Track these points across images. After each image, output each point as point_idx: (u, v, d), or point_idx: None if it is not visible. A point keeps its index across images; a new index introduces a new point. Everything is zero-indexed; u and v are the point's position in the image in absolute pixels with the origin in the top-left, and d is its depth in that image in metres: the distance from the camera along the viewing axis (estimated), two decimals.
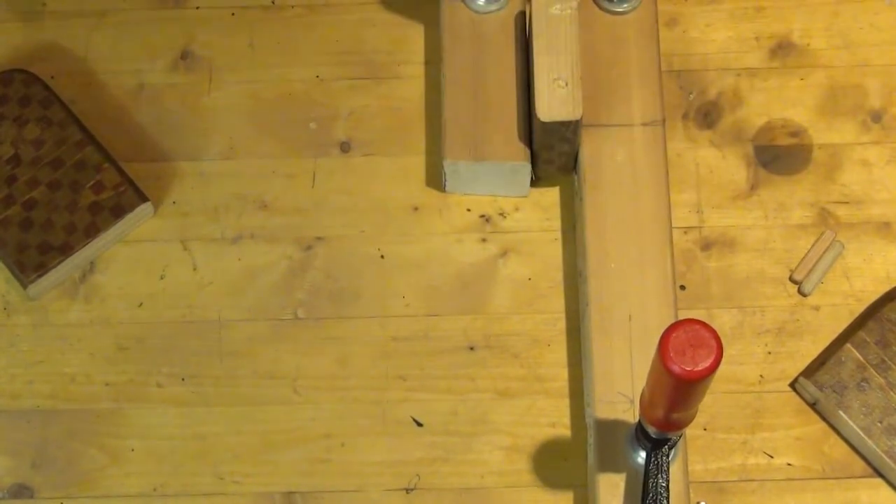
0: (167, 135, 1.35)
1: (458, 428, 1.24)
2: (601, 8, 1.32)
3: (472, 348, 1.27)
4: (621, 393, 1.19)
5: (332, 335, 1.28)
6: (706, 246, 1.30)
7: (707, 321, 0.98)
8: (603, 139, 1.28)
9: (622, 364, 1.20)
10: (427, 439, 1.24)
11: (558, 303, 1.28)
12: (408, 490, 1.23)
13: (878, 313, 1.25)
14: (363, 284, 1.29)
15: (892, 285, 1.28)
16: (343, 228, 1.31)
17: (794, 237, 1.30)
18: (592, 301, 1.23)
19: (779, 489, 1.22)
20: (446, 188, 1.32)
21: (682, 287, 1.28)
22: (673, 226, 1.27)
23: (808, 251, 1.29)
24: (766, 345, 1.26)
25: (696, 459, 1.23)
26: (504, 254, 1.30)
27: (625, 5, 1.32)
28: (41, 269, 1.27)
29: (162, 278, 1.30)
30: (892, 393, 1.22)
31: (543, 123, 1.23)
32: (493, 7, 1.33)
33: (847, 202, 1.31)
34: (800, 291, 1.28)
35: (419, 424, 1.25)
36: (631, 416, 1.19)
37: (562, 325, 1.27)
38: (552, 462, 1.23)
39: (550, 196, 1.32)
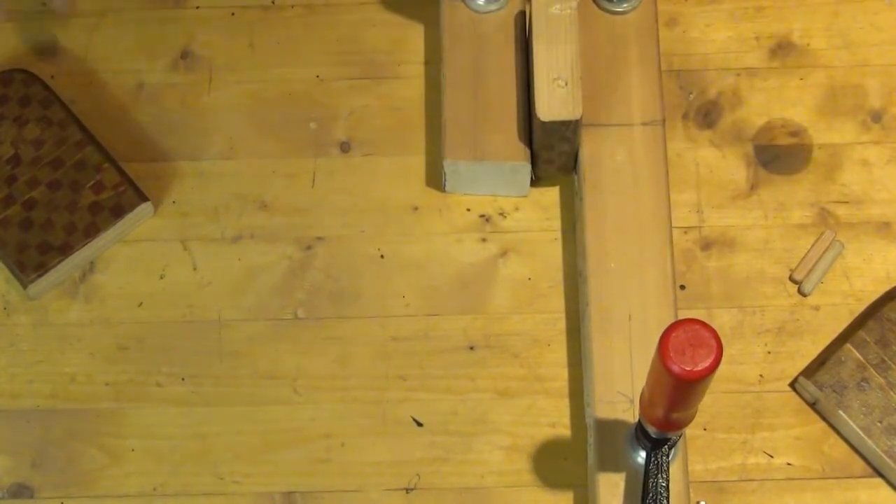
0: (167, 134, 1.35)
1: (458, 428, 1.24)
2: (601, 8, 1.32)
3: (472, 348, 1.27)
4: (621, 393, 1.19)
5: (332, 335, 1.28)
6: (706, 246, 1.30)
7: (707, 321, 0.98)
8: (603, 139, 1.28)
9: (622, 364, 1.20)
10: (427, 439, 1.24)
11: (558, 303, 1.28)
12: (408, 490, 1.23)
13: (878, 313, 1.25)
14: (363, 284, 1.29)
15: (892, 285, 1.28)
16: (343, 228, 1.31)
17: (794, 237, 1.30)
18: (592, 301, 1.23)
19: (779, 489, 1.22)
20: (446, 188, 1.32)
21: (682, 287, 1.28)
22: (673, 225, 1.27)
23: (808, 251, 1.29)
24: (766, 344, 1.26)
25: (696, 459, 1.23)
26: (504, 254, 1.30)
27: (625, 5, 1.32)
28: (41, 268, 1.27)
29: (162, 278, 1.30)
30: (892, 393, 1.22)
31: (543, 123, 1.23)
32: (493, 7, 1.33)
33: (847, 202, 1.31)
34: (800, 291, 1.28)
35: (419, 424, 1.25)
36: (631, 415, 1.18)
37: (562, 324, 1.27)
38: (552, 462, 1.23)
39: (550, 196, 1.32)
